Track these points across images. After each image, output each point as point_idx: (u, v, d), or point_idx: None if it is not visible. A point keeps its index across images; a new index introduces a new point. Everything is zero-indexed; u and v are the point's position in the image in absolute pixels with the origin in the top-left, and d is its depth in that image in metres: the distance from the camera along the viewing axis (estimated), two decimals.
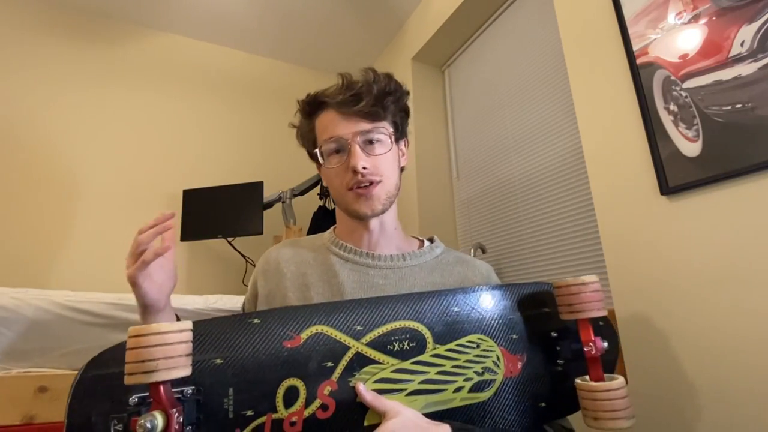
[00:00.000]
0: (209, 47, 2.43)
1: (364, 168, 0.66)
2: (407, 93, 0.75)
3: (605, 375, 0.54)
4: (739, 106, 0.80)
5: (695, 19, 0.89)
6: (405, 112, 0.76)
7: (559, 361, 0.60)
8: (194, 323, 0.46)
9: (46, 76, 1.99)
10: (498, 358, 0.57)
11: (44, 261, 1.82)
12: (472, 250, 1.69)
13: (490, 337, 0.58)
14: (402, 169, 0.78)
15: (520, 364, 0.58)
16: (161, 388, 0.40)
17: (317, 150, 0.70)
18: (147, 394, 0.42)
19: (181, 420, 0.42)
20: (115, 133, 2.08)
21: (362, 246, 0.73)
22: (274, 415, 0.47)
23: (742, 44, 0.81)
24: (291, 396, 0.48)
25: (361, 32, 2.38)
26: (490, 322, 0.59)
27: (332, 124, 0.69)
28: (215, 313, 1.21)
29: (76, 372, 0.47)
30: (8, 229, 1.79)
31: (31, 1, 2.03)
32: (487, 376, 0.56)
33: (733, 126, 0.81)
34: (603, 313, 0.55)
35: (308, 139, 0.75)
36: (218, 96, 2.39)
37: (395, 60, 2.34)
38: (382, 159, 0.69)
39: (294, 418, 0.48)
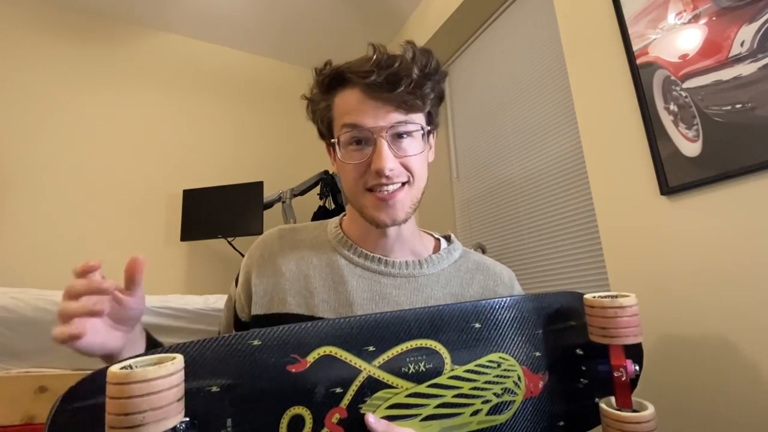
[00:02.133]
0: (209, 47, 2.43)
1: (391, 170, 0.56)
2: (445, 74, 0.63)
3: (633, 400, 0.50)
4: (739, 106, 0.80)
5: (695, 19, 0.89)
6: (440, 98, 0.64)
7: (583, 380, 0.55)
8: (185, 347, 0.42)
9: (46, 77, 1.99)
10: (519, 378, 0.53)
11: (44, 261, 1.81)
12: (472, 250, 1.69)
13: (512, 356, 0.53)
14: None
15: (541, 384, 0.54)
16: None
17: (334, 140, 0.59)
18: None
19: None
20: (116, 133, 2.08)
21: (375, 250, 0.64)
22: None
23: (742, 44, 0.81)
24: (296, 426, 0.44)
25: (361, 32, 2.38)
26: (513, 340, 0.54)
27: (356, 110, 0.57)
28: (215, 313, 1.21)
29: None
30: (7, 230, 1.79)
31: (31, 2, 2.03)
32: (506, 398, 0.52)
33: (733, 126, 0.81)
34: (639, 339, 0.49)
35: (323, 118, 0.62)
36: (218, 96, 2.39)
37: None
38: (412, 159, 0.59)
39: None
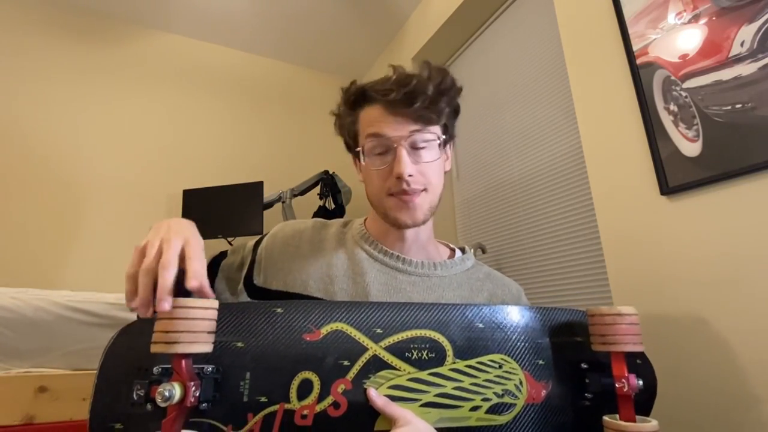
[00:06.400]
0: (209, 47, 2.43)
1: (410, 176, 0.62)
2: (460, 90, 0.68)
3: (638, 417, 0.49)
4: (739, 106, 0.80)
5: (695, 19, 0.89)
6: (456, 112, 0.70)
7: (588, 395, 0.56)
8: (221, 305, 0.47)
9: (46, 77, 1.99)
10: (521, 382, 0.55)
11: (43, 261, 1.81)
12: (472, 250, 1.69)
13: (514, 359, 0.55)
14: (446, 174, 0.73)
15: (544, 392, 0.55)
16: (183, 361, 0.42)
17: (359, 148, 0.66)
18: (170, 366, 0.44)
19: (198, 394, 0.43)
20: (116, 133, 2.08)
21: (394, 248, 0.69)
22: (287, 405, 0.48)
23: (742, 44, 0.81)
24: (305, 389, 0.49)
25: (361, 32, 2.38)
26: (516, 344, 0.56)
27: (378, 122, 0.63)
28: None
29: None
30: (8, 229, 1.79)
31: (32, 2, 2.03)
32: (507, 399, 0.53)
33: (733, 126, 0.81)
34: (639, 348, 0.51)
35: (349, 132, 0.69)
36: (218, 96, 2.39)
37: (395, 60, 2.34)
38: (429, 166, 0.64)
39: (305, 411, 0.48)
